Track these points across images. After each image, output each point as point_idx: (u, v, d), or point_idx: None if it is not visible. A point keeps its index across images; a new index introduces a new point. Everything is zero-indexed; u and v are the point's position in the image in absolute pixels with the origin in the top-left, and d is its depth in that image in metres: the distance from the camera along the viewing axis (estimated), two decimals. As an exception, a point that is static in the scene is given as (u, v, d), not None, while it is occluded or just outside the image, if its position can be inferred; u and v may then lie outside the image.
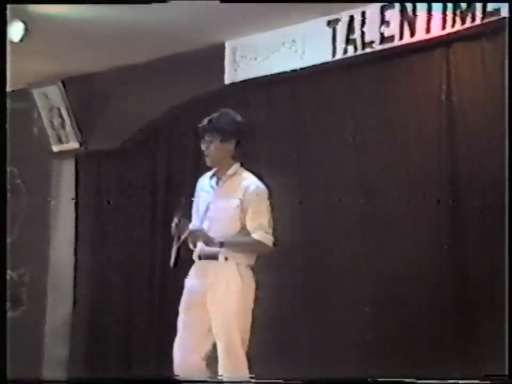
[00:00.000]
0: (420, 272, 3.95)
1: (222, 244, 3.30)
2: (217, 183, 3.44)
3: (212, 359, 3.38)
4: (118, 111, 4.92)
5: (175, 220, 3.29)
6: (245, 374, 3.33)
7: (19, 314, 5.37)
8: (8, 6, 3.81)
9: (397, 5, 3.91)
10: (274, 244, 3.38)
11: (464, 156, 3.71)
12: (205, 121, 3.47)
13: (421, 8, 3.86)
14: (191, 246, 3.43)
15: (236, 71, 4.52)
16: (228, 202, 3.37)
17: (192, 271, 3.43)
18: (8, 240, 5.30)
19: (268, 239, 3.33)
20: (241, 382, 3.43)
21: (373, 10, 3.97)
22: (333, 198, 4.16)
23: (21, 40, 4.17)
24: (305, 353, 4.28)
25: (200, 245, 3.41)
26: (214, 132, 3.39)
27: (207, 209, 3.40)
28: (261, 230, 3.32)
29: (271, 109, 4.43)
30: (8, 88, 5.30)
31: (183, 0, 3.87)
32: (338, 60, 4.12)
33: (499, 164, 3.21)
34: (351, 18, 4.06)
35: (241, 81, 4.50)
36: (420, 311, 3.95)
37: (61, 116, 5.23)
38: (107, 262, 5.06)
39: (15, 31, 4.15)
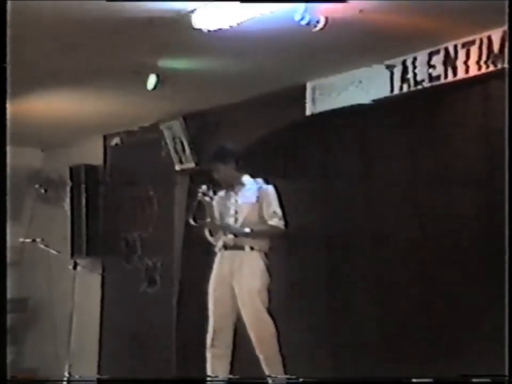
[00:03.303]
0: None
1: (247, 234, 4.21)
2: (234, 191, 4.37)
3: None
4: (225, 138, 5.21)
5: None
6: (271, 330, 4.08)
7: (154, 291, 6.20)
8: (145, 61, 4.49)
9: (442, 51, 4.33)
10: (285, 226, 4.28)
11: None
12: (211, 154, 4.48)
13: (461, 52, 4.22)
14: (208, 236, 4.33)
15: (314, 105, 5.07)
16: (248, 201, 4.32)
17: (218, 259, 4.29)
18: (144, 235, 6.48)
19: (280, 224, 4.29)
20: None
21: (422, 56, 4.43)
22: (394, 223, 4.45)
23: (154, 88, 4.69)
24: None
25: (223, 238, 4.26)
26: (216, 161, 4.39)
27: (233, 210, 4.32)
28: (275, 217, 4.28)
29: (342, 134, 4.90)
30: (144, 124, 6.36)
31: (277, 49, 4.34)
32: (394, 95, 4.59)
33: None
34: (405, 63, 4.52)
35: (318, 113, 5.04)
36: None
37: (181, 143, 5.91)
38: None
39: (150, 81, 4.66)
